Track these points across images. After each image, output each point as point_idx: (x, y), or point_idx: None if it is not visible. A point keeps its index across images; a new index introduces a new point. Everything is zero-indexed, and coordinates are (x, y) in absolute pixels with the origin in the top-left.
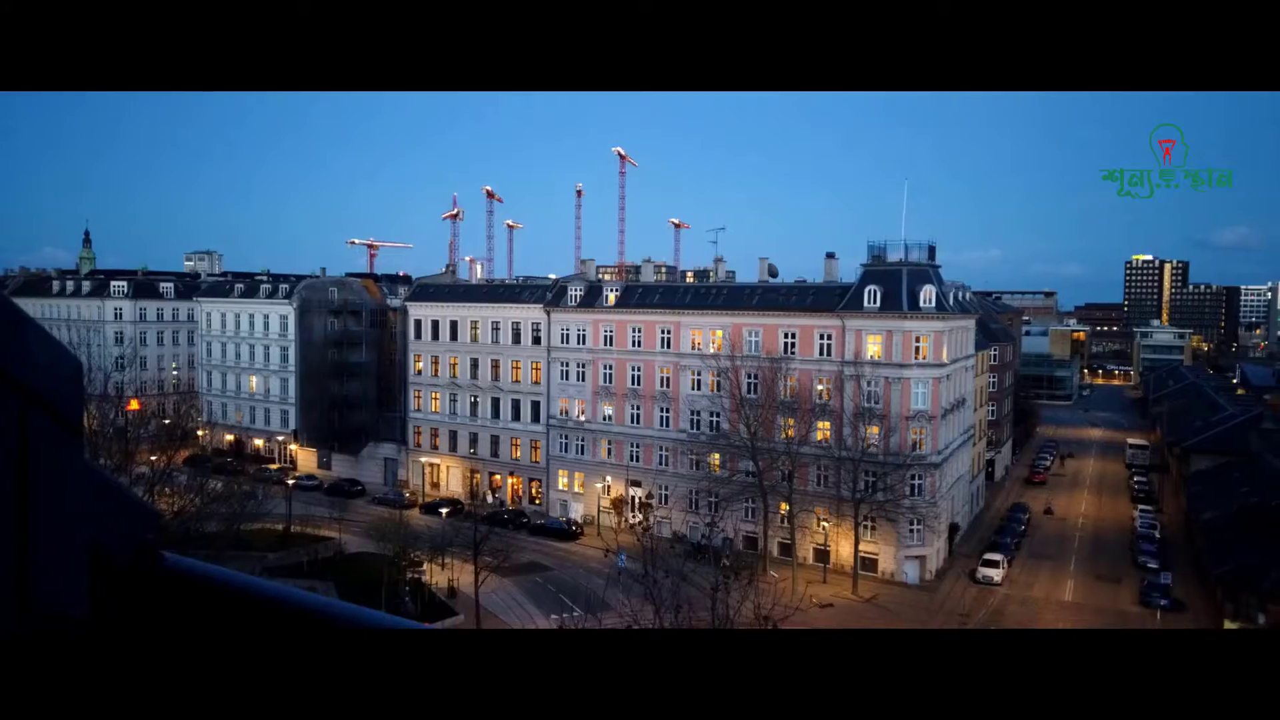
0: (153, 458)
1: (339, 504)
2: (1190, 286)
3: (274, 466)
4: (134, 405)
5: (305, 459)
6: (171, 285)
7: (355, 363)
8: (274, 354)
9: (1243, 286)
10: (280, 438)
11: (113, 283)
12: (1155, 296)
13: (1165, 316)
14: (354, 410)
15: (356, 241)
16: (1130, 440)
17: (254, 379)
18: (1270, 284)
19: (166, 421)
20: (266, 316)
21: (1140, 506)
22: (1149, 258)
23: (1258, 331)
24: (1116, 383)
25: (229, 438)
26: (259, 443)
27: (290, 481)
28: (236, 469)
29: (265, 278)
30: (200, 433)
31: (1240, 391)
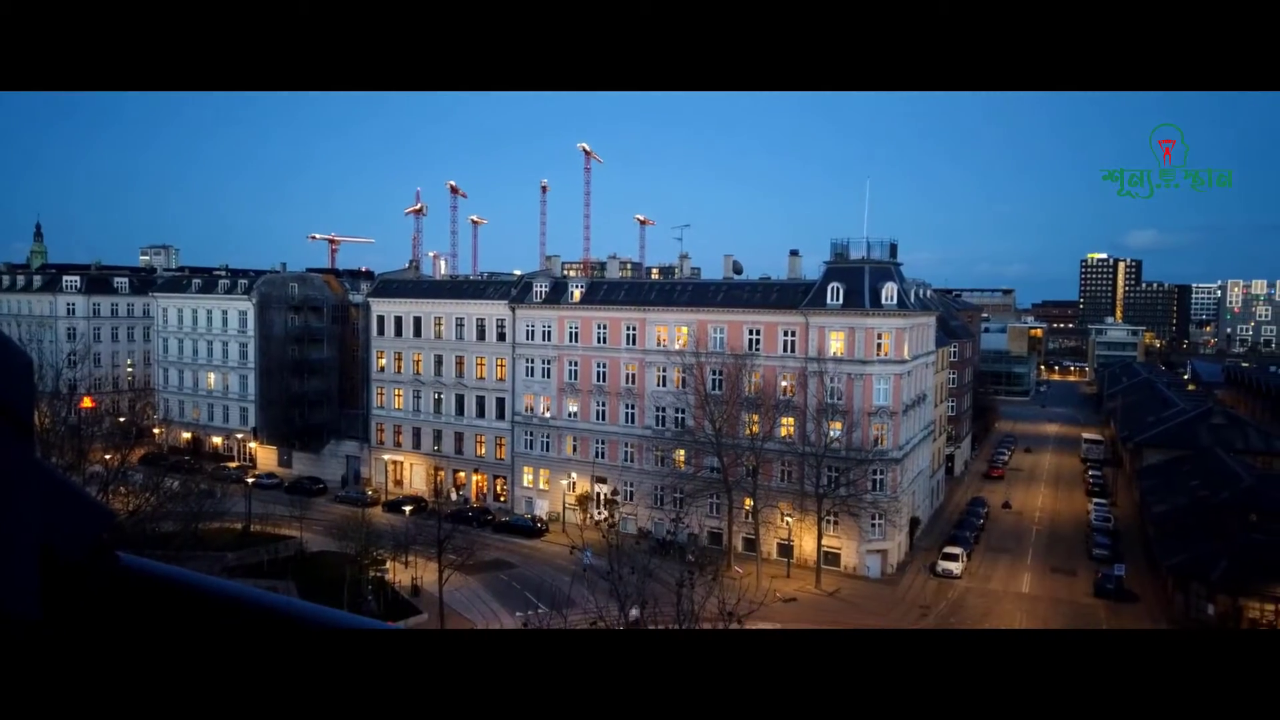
0: (107, 456)
1: (300, 502)
2: (1143, 285)
3: (233, 465)
4: (87, 403)
5: (265, 457)
6: (126, 280)
7: (316, 359)
8: (233, 350)
9: (1193, 285)
10: (239, 435)
11: (65, 277)
12: (1109, 294)
13: (1119, 314)
14: (315, 407)
15: (318, 236)
16: (1085, 435)
17: (212, 376)
18: (1219, 283)
19: (121, 419)
20: (225, 312)
21: (1095, 500)
22: (1104, 256)
23: (1207, 329)
24: (1072, 379)
25: (186, 436)
26: (217, 441)
27: (250, 480)
28: (194, 467)
29: (224, 273)
30: (156, 431)
31: (1191, 387)
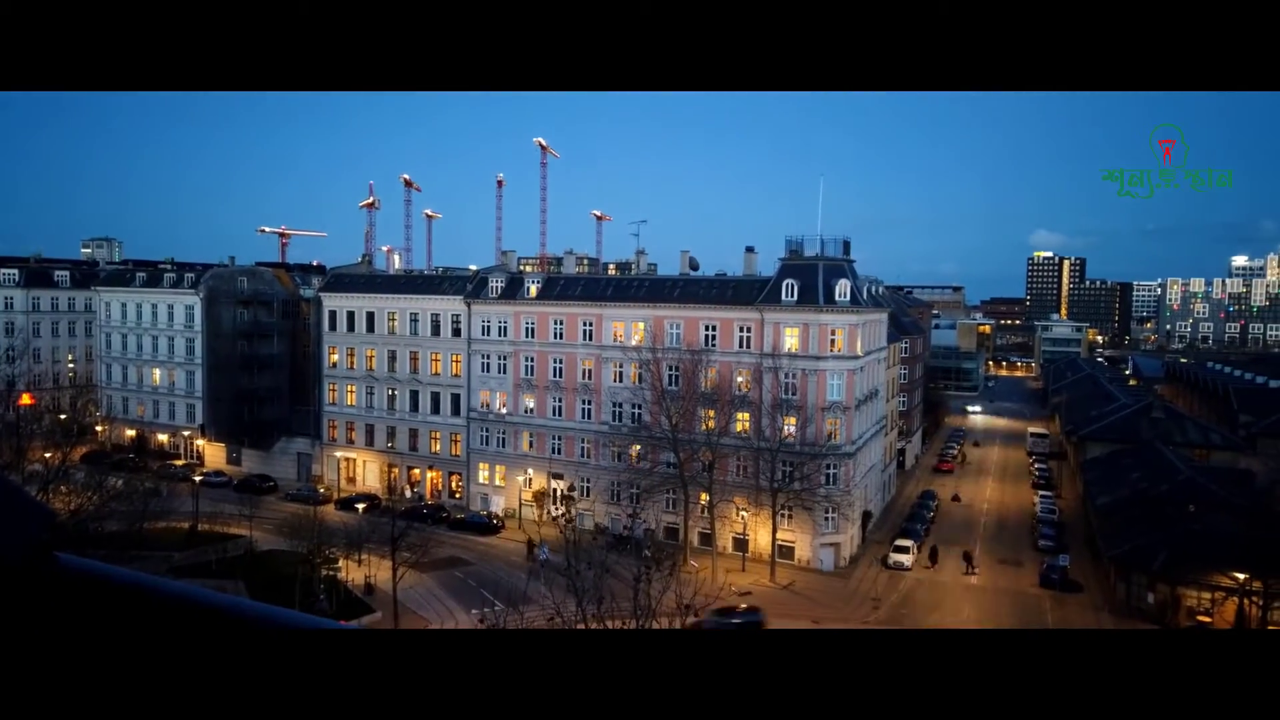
0: (47, 455)
1: (249, 501)
2: (1087, 282)
3: (179, 463)
4: (26, 400)
5: (213, 455)
6: (67, 273)
7: (266, 355)
8: (179, 346)
9: (1135, 282)
10: (186, 433)
11: (2, 270)
12: (1055, 291)
13: (1064, 311)
14: (265, 404)
15: (267, 229)
16: (1031, 429)
17: (157, 372)
18: (1159, 280)
19: (62, 416)
20: (171, 307)
21: (1040, 492)
22: (1050, 254)
23: (1148, 325)
24: (1019, 374)
25: (130, 433)
26: (163, 438)
27: (197, 478)
28: (139, 465)
29: (169, 266)
30: (99, 428)
31: (1133, 382)
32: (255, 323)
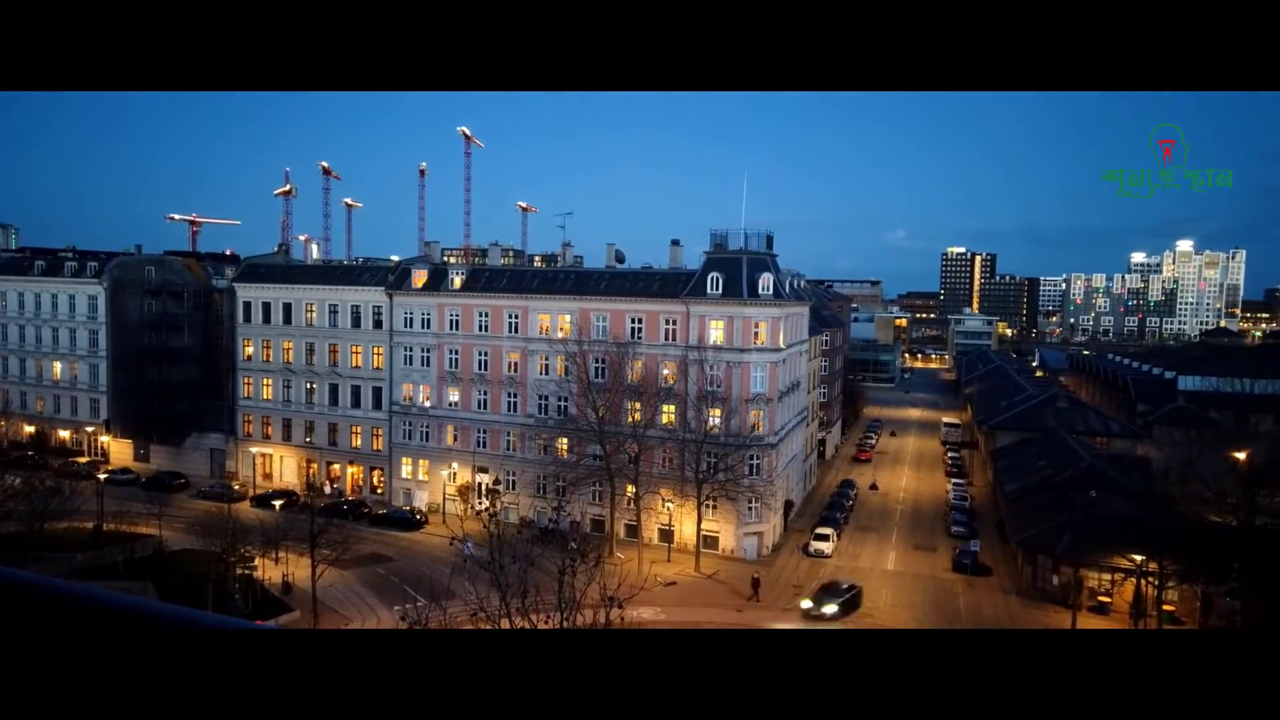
0: None
1: (159, 499)
2: (997, 277)
3: (83, 460)
4: None
5: (119, 451)
6: None
7: (176, 347)
8: (81, 338)
9: (1042, 278)
10: (90, 429)
11: None
12: (967, 286)
13: (976, 304)
14: (176, 398)
15: (177, 217)
16: (945, 419)
17: (58, 365)
18: (1064, 276)
19: None
20: (73, 297)
21: (953, 480)
22: (962, 250)
23: (1054, 319)
24: (934, 366)
25: (29, 429)
26: (65, 434)
27: (102, 476)
28: (38, 463)
29: (70, 255)
30: None
31: (1039, 373)
32: (164, 314)
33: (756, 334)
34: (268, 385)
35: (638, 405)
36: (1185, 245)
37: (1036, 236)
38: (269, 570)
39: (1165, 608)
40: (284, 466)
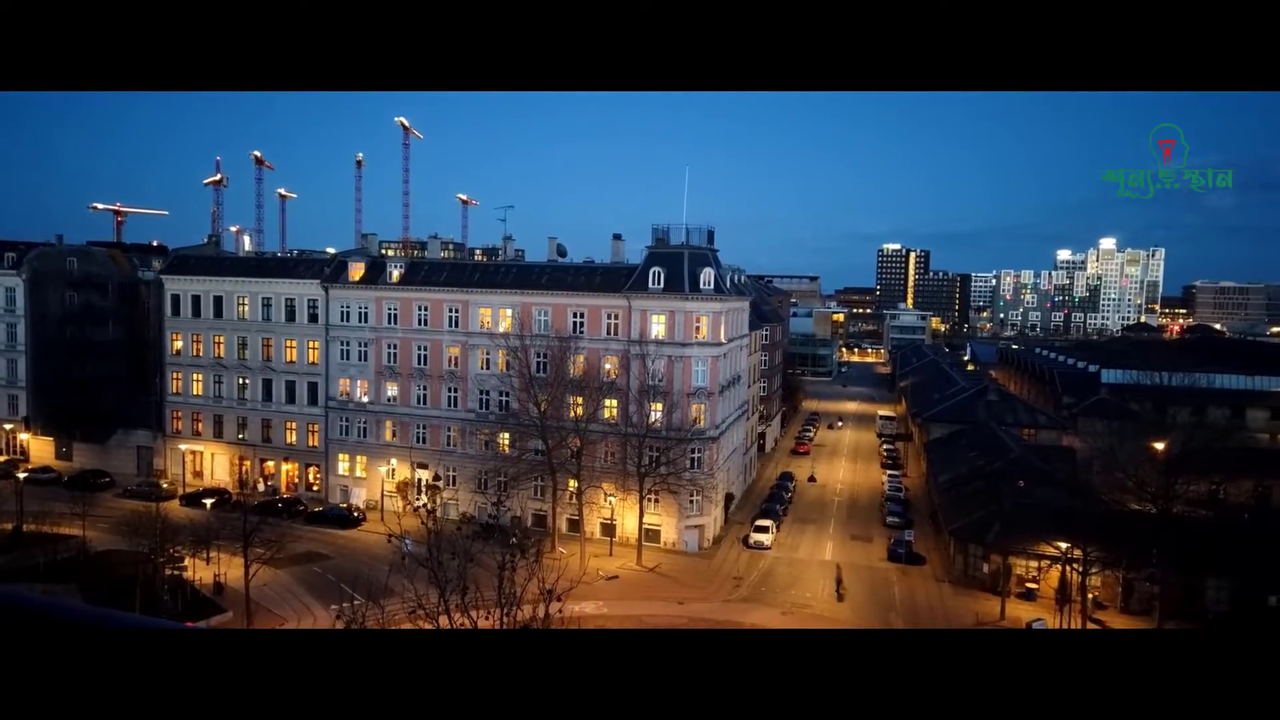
0: None
1: (82, 498)
2: (931, 273)
3: (0, 458)
4: None
5: (40, 449)
6: None
7: (100, 341)
8: None
9: (973, 274)
10: (8, 426)
11: None
12: (902, 281)
13: (910, 300)
14: (100, 394)
15: (100, 207)
16: (880, 412)
17: None
18: (995, 272)
19: None
20: None
21: (889, 472)
22: (897, 246)
23: (984, 314)
24: (870, 359)
25: None
26: None
27: (21, 475)
28: None
29: None
30: None
31: (971, 367)
32: (87, 307)
33: (698, 328)
34: (198, 380)
35: (580, 400)
36: (1108, 243)
37: (966, 234)
38: (200, 571)
39: (1090, 594)
40: (215, 464)
